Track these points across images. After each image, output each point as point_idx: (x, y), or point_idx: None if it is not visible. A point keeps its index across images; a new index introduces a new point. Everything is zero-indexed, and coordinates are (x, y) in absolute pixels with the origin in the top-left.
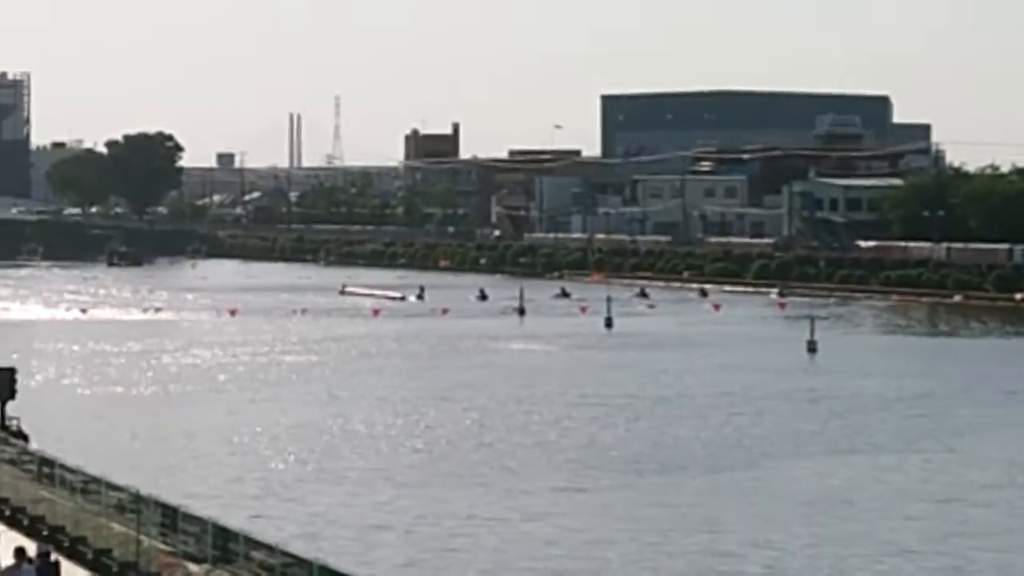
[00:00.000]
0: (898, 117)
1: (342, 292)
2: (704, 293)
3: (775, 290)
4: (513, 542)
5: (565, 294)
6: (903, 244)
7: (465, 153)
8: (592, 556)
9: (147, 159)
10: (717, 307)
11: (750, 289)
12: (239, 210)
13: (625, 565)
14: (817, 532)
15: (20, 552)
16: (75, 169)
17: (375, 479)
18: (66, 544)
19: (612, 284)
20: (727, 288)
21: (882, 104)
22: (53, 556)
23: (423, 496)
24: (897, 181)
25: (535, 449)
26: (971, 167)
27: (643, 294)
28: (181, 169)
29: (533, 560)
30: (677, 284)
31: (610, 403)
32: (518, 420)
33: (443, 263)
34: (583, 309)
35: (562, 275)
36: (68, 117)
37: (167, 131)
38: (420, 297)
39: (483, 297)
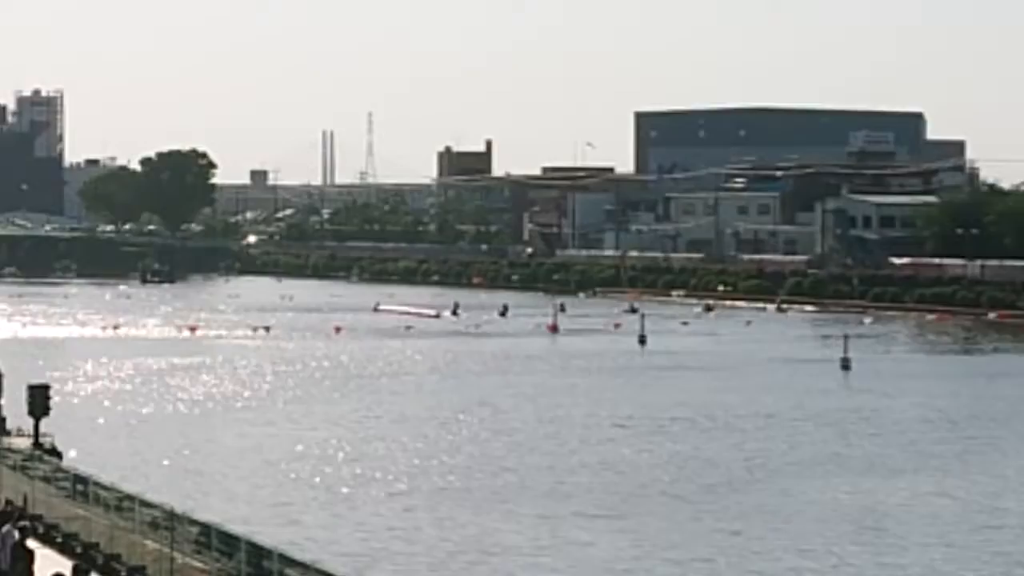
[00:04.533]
0: (932, 134)
1: (375, 310)
2: (709, 308)
3: (773, 304)
4: (545, 569)
5: (562, 309)
6: (937, 262)
7: (498, 170)
8: None
9: (180, 176)
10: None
11: (742, 304)
12: (271, 227)
13: None
14: (852, 553)
15: None
16: (108, 186)
17: (406, 501)
18: (100, 561)
19: (645, 302)
20: (728, 304)
21: (916, 121)
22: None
23: (453, 519)
24: (931, 198)
25: (566, 472)
26: (1005, 184)
27: (632, 310)
28: (214, 186)
29: None
30: (682, 301)
31: (642, 424)
32: (550, 443)
33: (476, 280)
34: (616, 325)
35: (595, 293)
36: (102, 134)
37: (200, 148)
38: (455, 313)
39: (504, 313)
